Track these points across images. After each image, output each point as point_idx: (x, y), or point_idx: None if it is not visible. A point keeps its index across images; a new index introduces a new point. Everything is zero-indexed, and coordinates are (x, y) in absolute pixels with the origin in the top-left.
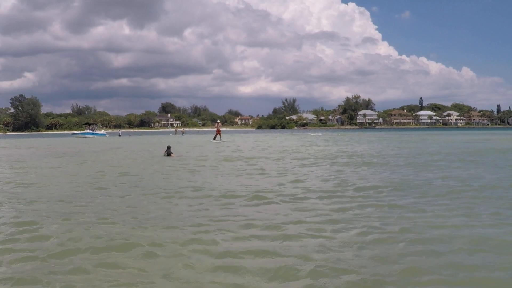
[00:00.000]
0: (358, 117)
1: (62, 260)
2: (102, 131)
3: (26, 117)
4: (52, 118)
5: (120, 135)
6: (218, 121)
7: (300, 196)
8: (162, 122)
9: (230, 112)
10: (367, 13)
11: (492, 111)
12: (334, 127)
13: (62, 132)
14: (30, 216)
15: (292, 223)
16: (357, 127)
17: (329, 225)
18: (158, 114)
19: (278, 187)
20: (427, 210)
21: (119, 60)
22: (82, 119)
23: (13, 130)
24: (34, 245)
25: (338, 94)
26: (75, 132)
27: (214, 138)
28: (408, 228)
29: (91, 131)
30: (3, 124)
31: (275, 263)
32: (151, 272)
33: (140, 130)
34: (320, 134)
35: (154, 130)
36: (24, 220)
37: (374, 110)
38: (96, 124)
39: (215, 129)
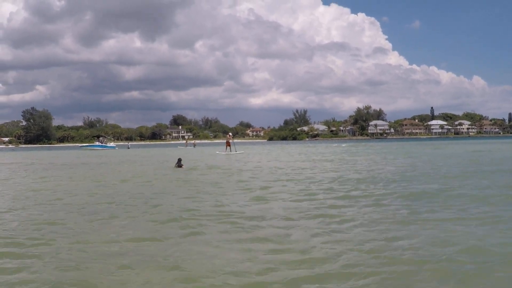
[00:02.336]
0: (369, 128)
1: None
2: (112, 144)
3: (37, 130)
4: (64, 130)
5: (129, 148)
6: (230, 133)
7: None
8: (174, 134)
9: (241, 123)
10: (377, 23)
11: (503, 120)
12: (346, 138)
13: (73, 144)
14: None
15: None
16: (368, 137)
17: None
18: (169, 126)
19: None
20: None
21: (130, 73)
22: (94, 132)
23: (25, 143)
24: None
25: (349, 105)
26: (84, 144)
27: (225, 150)
28: None
29: (100, 144)
30: (14, 137)
31: None
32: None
33: (151, 143)
34: (343, 145)
35: (165, 143)
36: None
37: (385, 120)
38: (106, 137)
39: (225, 141)
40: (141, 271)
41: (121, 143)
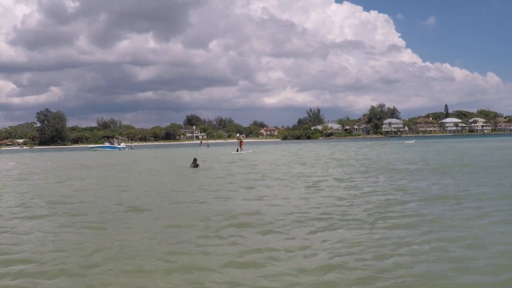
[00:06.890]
0: (383, 126)
1: None
2: (122, 145)
3: (52, 131)
4: (78, 131)
5: (132, 148)
6: (238, 134)
7: None
8: (188, 135)
9: (255, 123)
10: (390, 20)
11: None
12: (360, 137)
13: (84, 146)
14: None
15: None
16: (382, 136)
17: None
18: (183, 126)
19: None
20: None
21: (144, 73)
22: (108, 133)
23: (39, 144)
24: None
25: (363, 103)
26: (94, 145)
27: (237, 150)
28: None
29: (110, 145)
30: (29, 138)
31: None
32: None
33: (165, 143)
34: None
35: (180, 143)
36: None
37: (399, 118)
38: (117, 138)
39: (238, 141)
40: None
41: (134, 143)
